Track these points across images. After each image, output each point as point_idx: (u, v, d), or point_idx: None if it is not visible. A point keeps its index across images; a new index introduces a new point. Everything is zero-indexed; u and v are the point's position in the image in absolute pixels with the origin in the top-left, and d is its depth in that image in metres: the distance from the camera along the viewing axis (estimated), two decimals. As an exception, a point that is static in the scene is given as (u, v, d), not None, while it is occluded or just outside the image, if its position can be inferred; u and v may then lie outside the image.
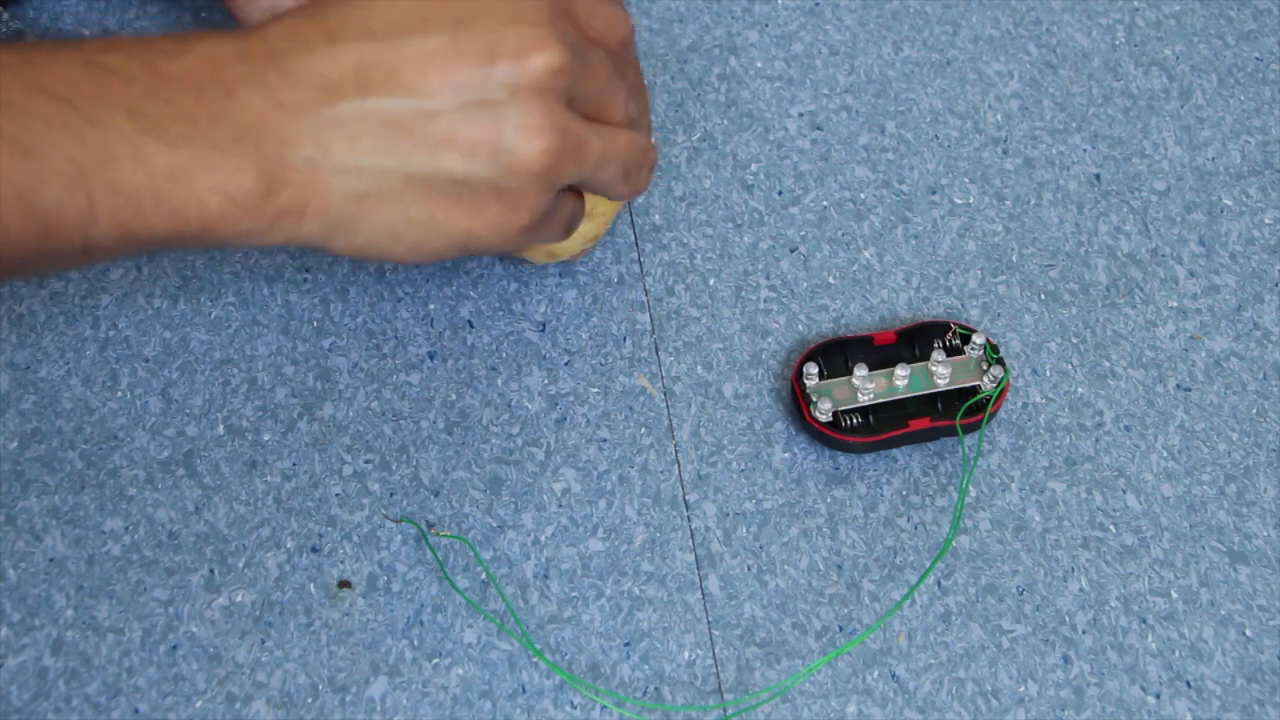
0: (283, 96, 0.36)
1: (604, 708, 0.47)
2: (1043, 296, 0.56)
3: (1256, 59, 0.64)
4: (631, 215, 0.57)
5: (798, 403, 0.51)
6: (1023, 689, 0.48)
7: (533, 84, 0.38)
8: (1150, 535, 0.51)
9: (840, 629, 0.49)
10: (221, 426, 0.51)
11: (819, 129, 0.60)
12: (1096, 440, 0.53)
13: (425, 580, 0.49)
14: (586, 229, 0.51)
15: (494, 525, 0.50)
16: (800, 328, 0.55)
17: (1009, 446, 0.53)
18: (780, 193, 0.58)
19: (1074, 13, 0.64)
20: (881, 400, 0.51)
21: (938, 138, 0.60)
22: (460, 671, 0.47)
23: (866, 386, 0.51)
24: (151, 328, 0.53)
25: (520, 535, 0.50)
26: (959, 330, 0.52)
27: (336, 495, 0.50)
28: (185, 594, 0.48)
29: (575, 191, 0.44)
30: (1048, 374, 0.55)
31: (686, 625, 0.49)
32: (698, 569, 0.50)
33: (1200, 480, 0.53)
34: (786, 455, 0.52)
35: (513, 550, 0.50)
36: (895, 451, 0.52)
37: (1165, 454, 0.53)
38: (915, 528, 0.51)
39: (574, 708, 0.47)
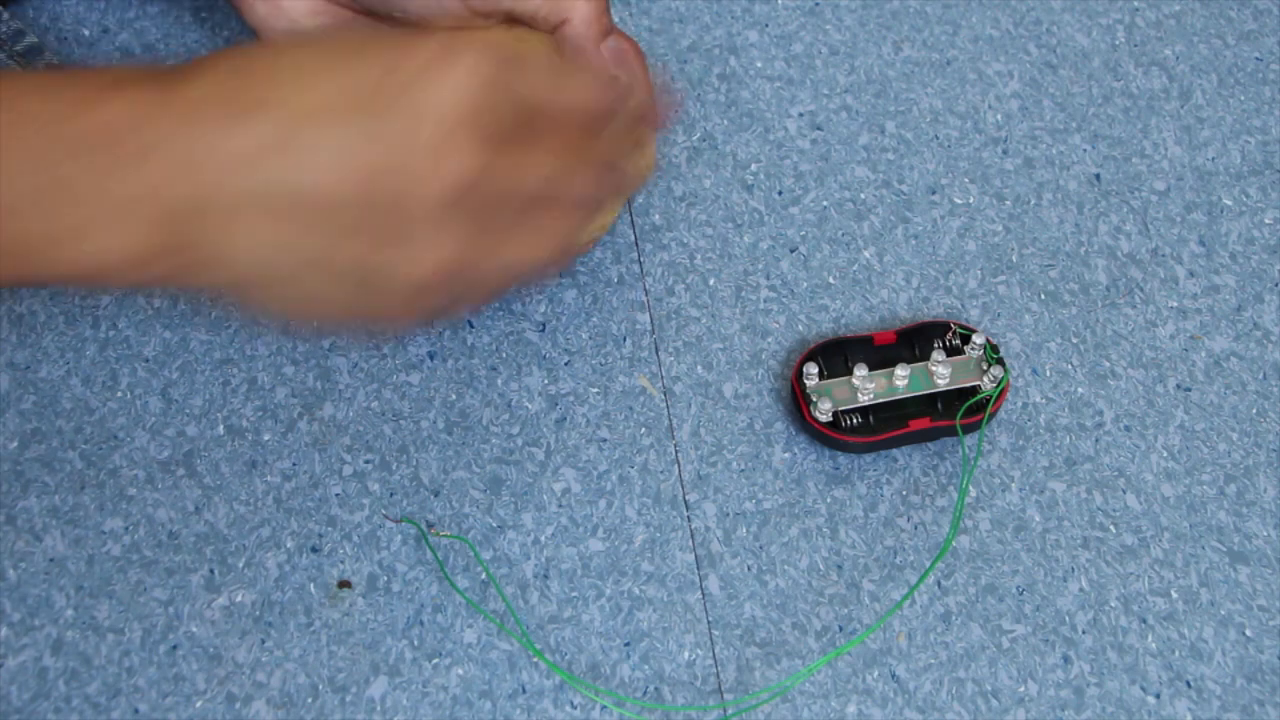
0: (192, 166, 0.36)
1: (604, 708, 0.47)
2: (1043, 296, 0.56)
3: (1256, 59, 0.64)
4: (631, 215, 0.57)
5: (798, 403, 0.51)
6: (1023, 689, 0.48)
7: (438, 196, 0.37)
8: (1150, 535, 0.51)
9: (840, 629, 0.49)
10: (221, 426, 0.51)
11: (819, 129, 0.60)
12: (1096, 440, 0.53)
13: (425, 580, 0.49)
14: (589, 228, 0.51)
15: (494, 525, 0.50)
16: (800, 328, 0.55)
17: (1009, 446, 0.53)
18: (780, 193, 0.58)
19: (1074, 13, 0.64)
20: (881, 400, 0.51)
21: (938, 138, 0.60)
22: (460, 671, 0.47)
23: (866, 386, 0.51)
24: (151, 328, 0.53)
25: (520, 535, 0.50)
26: (959, 330, 0.52)
27: (336, 495, 0.50)
28: (185, 594, 0.48)
29: (486, 287, 0.43)
30: (1048, 374, 0.55)
31: (686, 625, 0.49)
32: (698, 569, 0.50)
33: (1200, 480, 0.53)
34: (786, 455, 0.52)
35: (513, 550, 0.50)
36: (895, 451, 0.52)
37: (1165, 454, 0.53)
38: (915, 528, 0.51)
39: (574, 708, 0.47)
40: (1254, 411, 0.54)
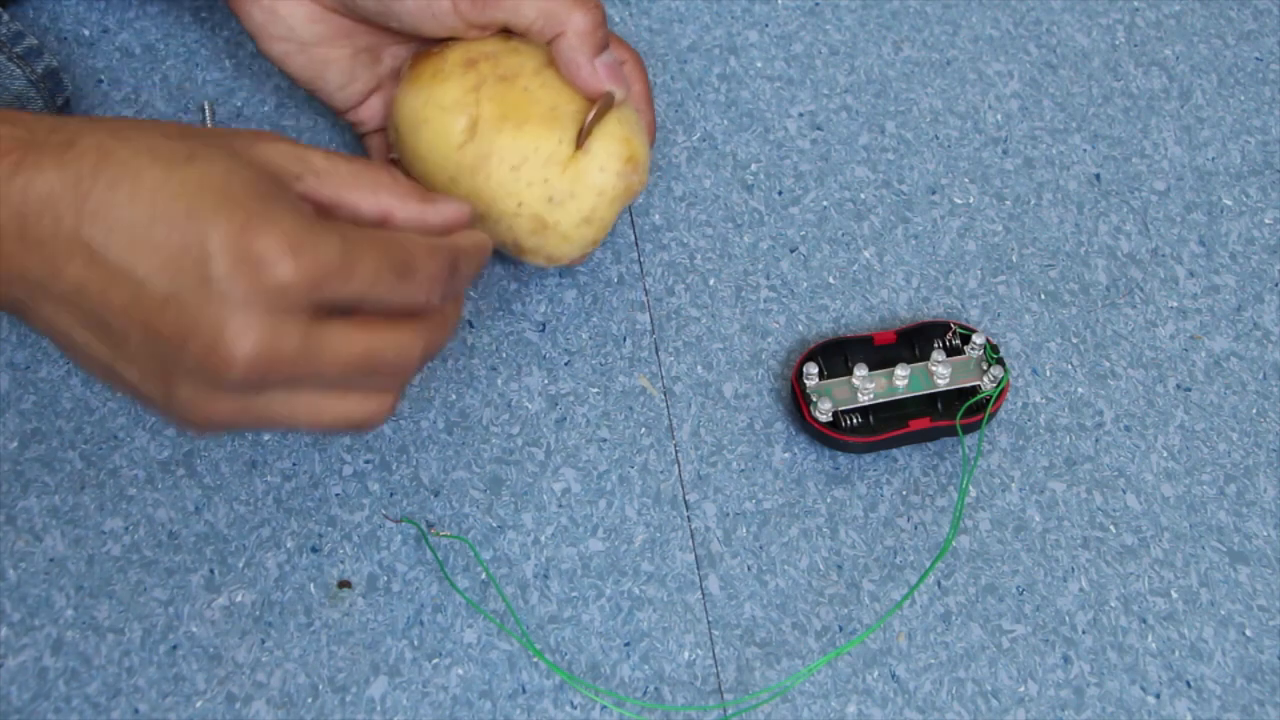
0: (11, 250, 0.36)
1: (604, 708, 0.47)
2: (1043, 296, 0.56)
3: (1256, 59, 0.64)
4: (631, 215, 0.57)
5: (798, 403, 0.51)
6: (1023, 689, 0.48)
7: (212, 377, 0.36)
8: (1150, 535, 0.51)
9: (840, 629, 0.49)
10: (221, 426, 0.51)
11: (819, 129, 0.60)
12: (1096, 440, 0.53)
13: (425, 580, 0.49)
14: (586, 234, 0.51)
15: (494, 525, 0.50)
16: (800, 328, 0.55)
17: (1009, 446, 0.53)
18: (780, 193, 0.58)
19: (1074, 13, 0.64)
20: (881, 400, 0.51)
21: (938, 138, 0.60)
22: (460, 671, 0.47)
23: (866, 386, 0.51)
24: (151, 328, 0.53)
25: (520, 535, 0.50)
26: (959, 330, 0.52)
27: (336, 495, 0.50)
28: (185, 594, 0.48)
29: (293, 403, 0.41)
30: (1048, 374, 0.55)
31: (686, 625, 0.49)
32: (698, 569, 0.50)
33: (1200, 480, 0.53)
34: (786, 455, 0.52)
35: (513, 550, 0.50)
36: (895, 451, 0.52)
37: (1165, 454, 0.53)
38: (915, 528, 0.51)
39: (574, 708, 0.47)
40: (1254, 411, 0.54)
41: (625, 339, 0.54)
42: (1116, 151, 0.60)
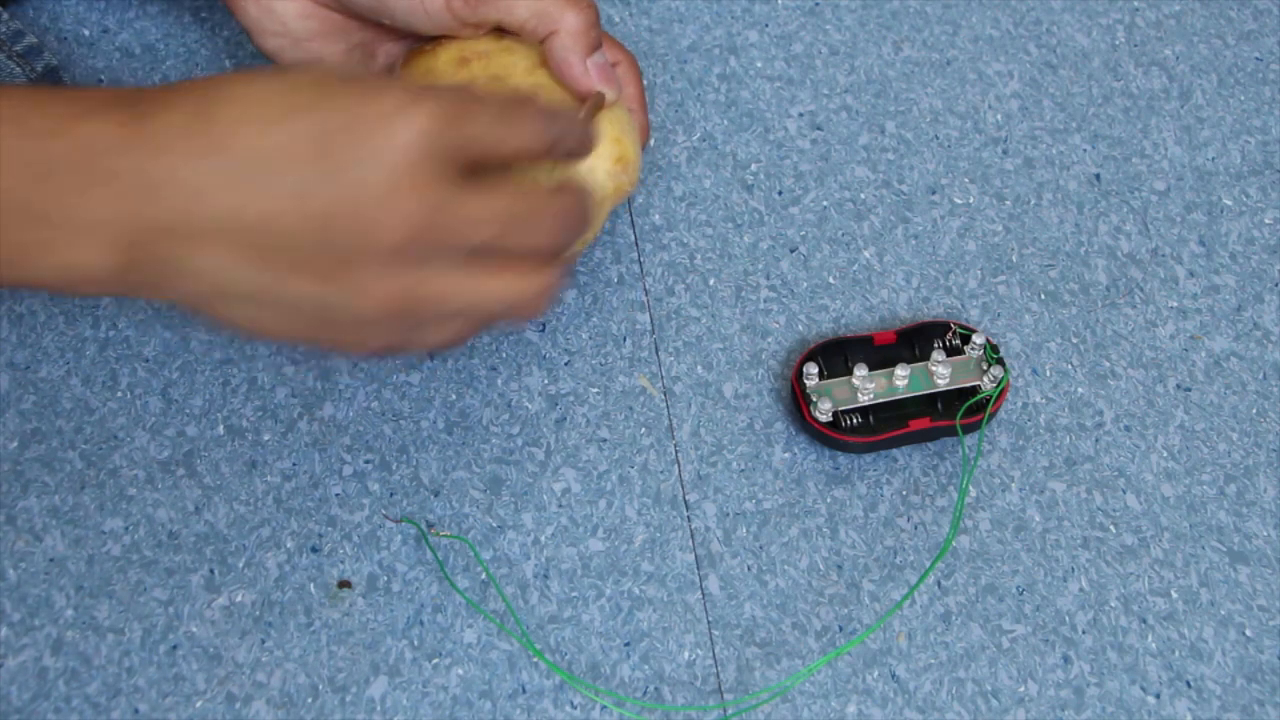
0: (151, 196, 0.37)
1: (604, 708, 0.47)
2: (1043, 296, 0.56)
3: (1256, 59, 0.64)
4: (631, 215, 0.57)
5: (798, 403, 0.51)
6: (1023, 689, 0.48)
7: (382, 253, 0.38)
8: (1150, 535, 0.51)
9: (840, 629, 0.49)
10: (221, 426, 0.51)
11: (819, 129, 0.60)
12: (1096, 440, 0.53)
13: (425, 580, 0.49)
14: None
15: (494, 525, 0.50)
16: (800, 328, 0.55)
17: (1009, 446, 0.53)
18: (780, 193, 0.58)
19: (1074, 13, 0.64)
20: (881, 400, 0.51)
21: (938, 138, 0.60)
22: (460, 671, 0.47)
23: (866, 386, 0.51)
24: (151, 328, 0.53)
25: (520, 535, 0.50)
26: (959, 330, 0.52)
27: (336, 495, 0.50)
28: (185, 594, 0.48)
29: (450, 321, 0.43)
30: (1048, 374, 0.55)
31: (686, 625, 0.49)
32: (698, 569, 0.50)
33: (1200, 480, 0.53)
34: (786, 455, 0.52)
35: (513, 550, 0.50)
36: (895, 451, 0.52)
37: (1165, 454, 0.53)
38: (915, 528, 0.51)
39: (574, 708, 0.47)
40: (1254, 411, 0.54)
41: (625, 339, 0.54)
42: (1116, 151, 0.60)
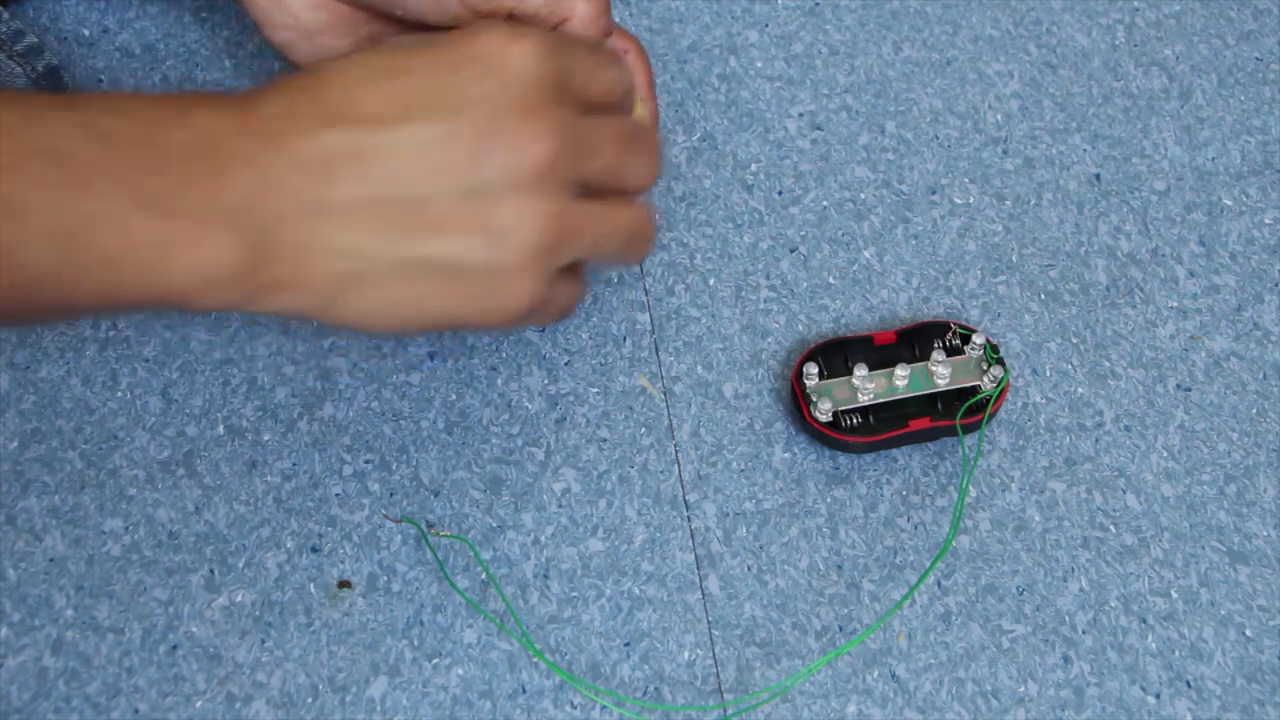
0: (276, 177, 0.36)
1: (604, 708, 0.47)
2: (1043, 296, 0.56)
3: (1256, 59, 0.64)
4: (631, 215, 0.57)
5: (798, 403, 0.51)
6: (1023, 689, 0.48)
7: (528, 175, 0.38)
8: (1150, 535, 0.51)
9: (840, 629, 0.49)
10: (221, 426, 0.51)
11: (819, 129, 0.60)
12: (1096, 440, 0.53)
13: (425, 580, 0.49)
14: None
15: (494, 525, 0.50)
16: (800, 328, 0.55)
17: (1009, 446, 0.53)
18: (780, 193, 0.58)
19: (1074, 13, 0.64)
20: (881, 400, 0.51)
21: (938, 138, 0.60)
22: (460, 671, 0.47)
23: (866, 386, 0.51)
24: (151, 328, 0.53)
25: (520, 535, 0.50)
26: (959, 330, 0.52)
27: (336, 495, 0.50)
28: (185, 594, 0.48)
29: (574, 275, 0.44)
30: (1048, 374, 0.55)
31: (686, 625, 0.49)
32: (698, 569, 0.50)
33: (1200, 480, 0.53)
34: (786, 455, 0.52)
35: (513, 550, 0.50)
36: (895, 451, 0.52)
37: (1165, 454, 0.53)
38: (915, 528, 0.51)
39: (574, 708, 0.47)
40: (1254, 411, 0.54)
41: (625, 339, 0.54)
42: (1116, 151, 0.60)
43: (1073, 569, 0.50)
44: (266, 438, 0.51)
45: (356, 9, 0.50)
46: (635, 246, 0.43)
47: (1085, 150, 0.60)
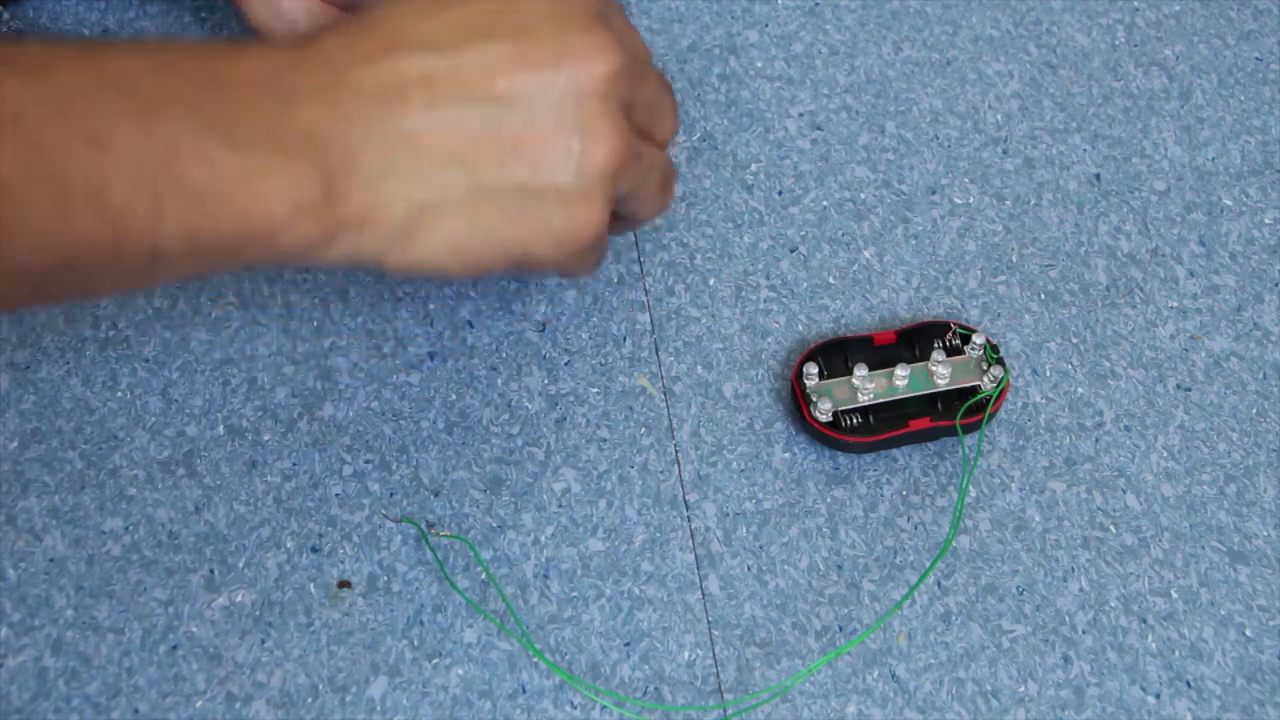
0: (345, 107, 0.35)
1: (604, 708, 0.47)
2: (1043, 296, 0.56)
3: (1256, 59, 0.64)
4: (631, 215, 0.57)
5: (798, 403, 0.51)
6: (1023, 689, 0.48)
7: (599, 88, 0.37)
8: (1150, 535, 0.51)
9: (840, 629, 0.49)
10: (221, 426, 0.51)
11: (819, 129, 0.60)
12: (1096, 440, 0.53)
13: (425, 580, 0.49)
14: None
15: (494, 525, 0.50)
16: (800, 328, 0.55)
17: (1009, 446, 0.53)
18: (780, 193, 0.58)
19: (1074, 13, 0.64)
20: (881, 400, 0.51)
21: (938, 138, 0.60)
22: (460, 671, 0.47)
23: (866, 386, 0.51)
24: (151, 328, 0.53)
25: (520, 535, 0.50)
26: (959, 330, 0.52)
27: (336, 495, 0.50)
28: (185, 594, 0.48)
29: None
30: (1048, 374, 0.55)
31: (686, 625, 0.49)
32: (698, 569, 0.50)
33: (1200, 480, 0.53)
34: (786, 455, 0.52)
35: (513, 550, 0.50)
36: (895, 451, 0.52)
37: (1165, 454, 0.53)
38: (915, 528, 0.51)
39: (574, 708, 0.47)
40: (1254, 411, 0.54)
41: (625, 339, 0.54)
42: (1116, 151, 0.60)
43: (1073, 569, 0.50)
44: (266, 438, 0.51)
45: (352, 12, 0.50)
46: (665, 191, 0.43)
47: (1085, 150, 0.60)
